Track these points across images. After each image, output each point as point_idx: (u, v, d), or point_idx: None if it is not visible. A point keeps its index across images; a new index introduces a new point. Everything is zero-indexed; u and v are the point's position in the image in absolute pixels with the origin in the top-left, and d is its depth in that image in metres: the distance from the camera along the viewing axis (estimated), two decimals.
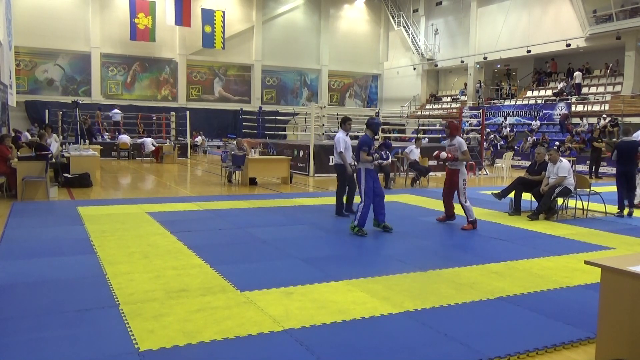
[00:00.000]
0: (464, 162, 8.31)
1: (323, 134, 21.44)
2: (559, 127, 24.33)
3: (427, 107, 33.67)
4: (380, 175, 10.92)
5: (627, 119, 20.77)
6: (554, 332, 3.97)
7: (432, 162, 14.93)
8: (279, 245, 6.66)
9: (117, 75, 30.81)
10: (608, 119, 21.11)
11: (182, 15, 30.43)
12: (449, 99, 33.71)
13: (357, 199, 8.46)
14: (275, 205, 10.08)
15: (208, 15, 31.37)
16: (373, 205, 7.61)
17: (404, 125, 30.17)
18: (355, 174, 8.13)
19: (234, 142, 14.73)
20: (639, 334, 3.10)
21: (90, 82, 30.01)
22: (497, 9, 29.10)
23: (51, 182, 11.33)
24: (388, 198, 8.85)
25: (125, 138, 23.05)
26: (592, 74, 26.34)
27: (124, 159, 22.58)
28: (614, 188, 10.09)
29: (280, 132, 25.37)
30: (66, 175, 12.43)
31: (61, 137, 19.19)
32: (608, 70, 25.24)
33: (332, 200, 9.54)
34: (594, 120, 22.67)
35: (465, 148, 8.29)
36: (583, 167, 18.72)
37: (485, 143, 21.31)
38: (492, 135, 25.23)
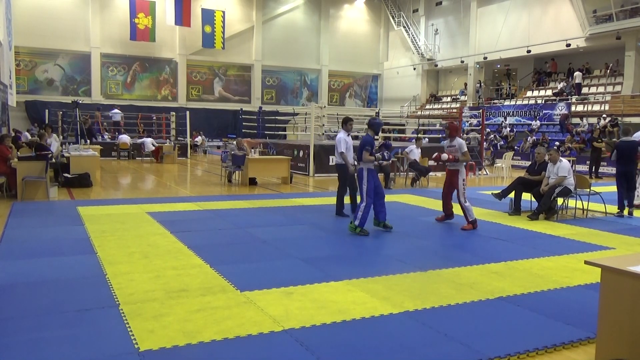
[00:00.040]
0: (464, 163, 8.33)
1: (323, 134, 21.44)
2: (559, 127, 24.33)
3: (427, 107, 33.68)
4: (380, 175, 10.92)
5: (627, 119, 20.77)
6: (554, 332, 3.97)
7: (432, 162, 14.91)
8: (279, 245, 6.66)
9: (117, 75, 30.81)
10: (608, 119, 21.11)
11: (182, 15, 30.43)
12: (449, 99, 33.71)
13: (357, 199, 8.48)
14: (275, 205, 10.08)
15: (208, 15, 31.38)
16: (374, 204, 7.62)
17: (404, 125, 30.17)
18: (356, 174, 8.14)
19: (234, 142, 14.73)
20: (639, 334, 3.10)
21: (90, 82, 30.01)
22: (497, 9, 29.10)
23: (51, 182, 11.33)
24: (388, 198, 8.84)
25: (125, 138, 23.05)
26: (592, 74, 26.34)
27: (124, 159, 22.58)
28: (614, 188, 10.09)
29: (280, 132, 25.37)
30: (66, 175, 12.43)
31: (61, 137, 19.20)
32: (608, 70, 25.25)
33: (332, 200, 9.55)
34: (594, 120, 22.67)
35: (466, 149, 8.32)
36: (583, 167, 18.73)
37: (485, 143, 21.32)
38: (492, 135, 25.24)
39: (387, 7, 36.39)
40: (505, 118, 27.09)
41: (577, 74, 25.38)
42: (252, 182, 13.58)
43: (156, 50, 31.07)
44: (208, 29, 31.41)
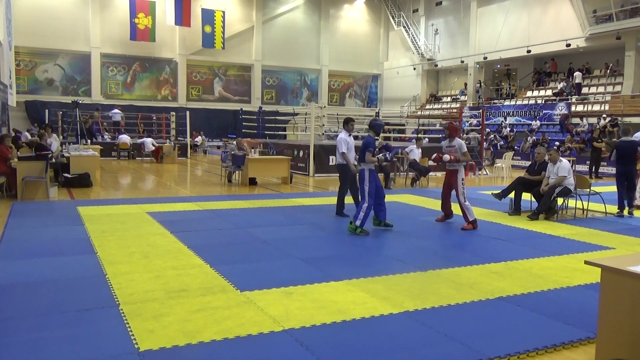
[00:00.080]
0: (464, 163, 8.34)
1: (323, 134, 21.43)
2: (559, 127, 24.33)
3: (427, 107, 33.68)
4: (380, 175, 10.92)
5: (627, 119, 20.77)
6: (554, 332, 3.97)
7: (432, 163, 14.91)
8: (279, 245, 6.66)
9: (117, 75, 30.81)
10: (608, 119, 21.11)
11: (182, 15, 30.43)
12: (449, 99, 33.71)
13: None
14: (275, 205, 10.08)
15: (208, 15, 31.38)
16: (374, 204, 7.63)
17: (404, 125, 30.17)
18: (357, 175, 8.16)
19: (234, 142, 14.73)
20: (639, 334, 3.10)
21: (90, 82, 30.00)
22: (497, 9, 29.10)
23: (51, 182, 11.33)
24: (388, 198, 8.85)
25: (125, 138, 23.05)
26: (592, 74, 26.34)
27: (124, 159, 22.58)
28: (614, 188, 10.09)
29: (280, 132, 25.36)
30: (66, 175, 12.43)
31: (61, 137, 19.19)
32: (608, 70, 25.25)
33: (332, 200, 9.55)
34: (594, 120, 22.67)
35: (466, 149, 8.35)
36: (583, 167, 18.73)
37: (485, 143, 21.32)
38: (492, 135, 25.24)
39: (387, 7, 36.39)
40: (505, 118, 27.10)
41: (577, 74, 25.38)
42: (252, 182, 13.58)
43: (156, 50, 31.07)
44: (208, 29, 31.42)
